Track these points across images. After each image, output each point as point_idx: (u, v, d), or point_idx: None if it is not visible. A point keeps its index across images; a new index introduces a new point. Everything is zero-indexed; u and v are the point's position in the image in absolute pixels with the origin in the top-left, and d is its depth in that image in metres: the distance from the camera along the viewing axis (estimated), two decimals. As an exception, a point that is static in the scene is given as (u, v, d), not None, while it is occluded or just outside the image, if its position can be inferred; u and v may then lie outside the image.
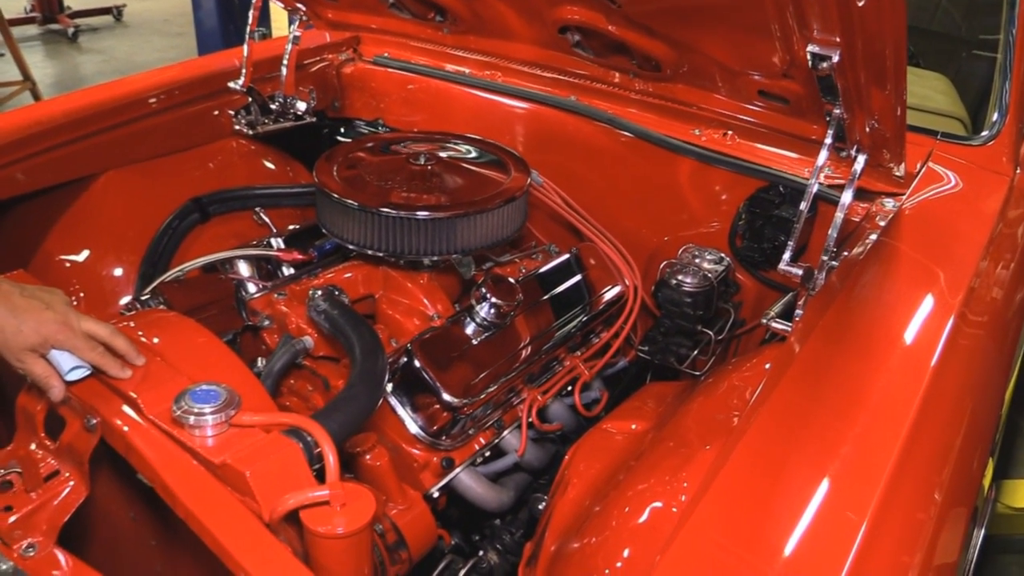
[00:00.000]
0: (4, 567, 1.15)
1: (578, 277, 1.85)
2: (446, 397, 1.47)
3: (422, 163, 1.73)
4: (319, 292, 1.57)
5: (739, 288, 1.91)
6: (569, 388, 1.79)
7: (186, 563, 1.31)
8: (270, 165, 2.35)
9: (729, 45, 1.46)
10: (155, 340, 1.34)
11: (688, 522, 0.96)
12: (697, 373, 1.76)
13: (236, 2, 4.52)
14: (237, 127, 2.26)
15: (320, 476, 1.10)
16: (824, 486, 1.03)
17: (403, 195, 1.63)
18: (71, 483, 1.20)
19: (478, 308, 1.57)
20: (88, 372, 1.19)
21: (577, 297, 1.83)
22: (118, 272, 1.98)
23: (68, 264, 1.96)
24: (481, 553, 1.58)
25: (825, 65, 1.27)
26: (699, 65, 1.63)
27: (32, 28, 6.89)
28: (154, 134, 2.12)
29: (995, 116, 1.93)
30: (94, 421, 1.17)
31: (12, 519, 1.16)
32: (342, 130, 2.48)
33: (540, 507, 1.53)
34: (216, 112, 2.26)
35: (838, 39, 1.23)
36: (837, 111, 1.42)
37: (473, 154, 1.85)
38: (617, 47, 1.73)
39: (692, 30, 1.49)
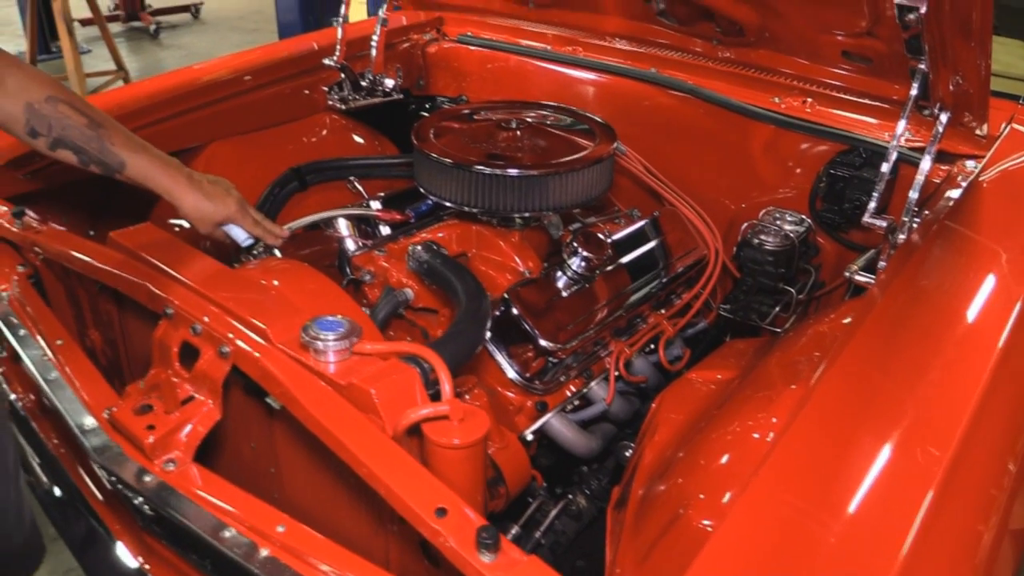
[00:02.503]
0: (147, 479, 1.27)
1: (660, 239, 1.92)
2: (542, 342, 1.55)
3: (514, 127, 1.82)
4: (418, 247, 1.67)
5: (819, 251, 1.95)
6: (652, 346, 1.86)
7: (301, 490, 1.42)
8: (360, 139, 2.47)
9: (816, 4, 1.51)
10: (276, 282, 1.46)
11: (755, 480, 0.97)
12: (778, 330, 1.80)
13: (318, -6, 4.70)
14: (330, 103, 2.39)
15: (434, 400, 1.19)
16: (894, 447, 1.02)
17: (498, 155, 1.72)
18: (207, 406, 1.32)
19: (569, 261, 1.65)
20: (253, 242, 1.62)
21: (659, 258, 1.89)
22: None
23: (177, 228, 2.10)
24: (570, 496, 1.66)
25: (912, 17, 1.31)
26: (783, 28, 1.68)
27: (116, 26, 7.21)
28: (255, 108, 2.26)
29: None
30: (227, 349, 1.29)
31: (152, 439, 1.28)
32: (427, 106, 2.59)
33: (627, 454, 1.60)
34: (309, 89, 2.39)
35: (926, -10, 1.28)
36: (922, 66, 1.46)
37: (561, 120, 1.93)
38: (702, 13, 1.79)
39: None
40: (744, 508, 0.93)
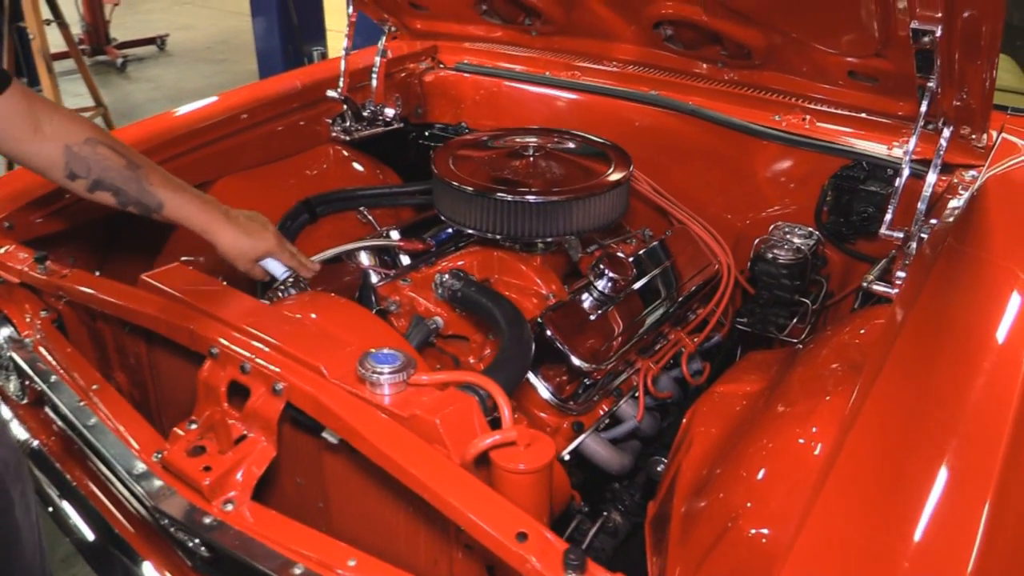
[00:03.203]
0: (207, 520, 1.27)
1: (675, 257, 1.96)
2: (578, 363, 1.58)
3: (531, 154, 1.86)
4: (446, 275, 1.70)
5: (826, 262, 2.01)
6: (671, 361, 1.90)
7: (352, 524, 1.42)
8: (363, 169, 2.49)
9: (827, 28, 1.57)
10: (317, 316, 1.48)
11: (817, 505, 0.96)
12: (795, 341, 1.86)
13: (296, 24, 4.69)
14: (334, 134, 2.41)
15: (493, 426, 1.22)
16: (943, 463, 1.02)
17: (519, 181, 1.76)
18: (261, 444, 1.32)
19: (596, 283, 1.69)
20: (290, 274, 1.61)
21: (678, 275, 1.93)
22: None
23: (191, 266, 2.10)
24: (605, 514, 1.69)
25: (927, 40, 1.37)
26: (791, 50, 1.74)
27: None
28: (261, 142, 2.27)
29: (1064, 90, 2.04)
30: (281, 386, 1.30)
31: (208, 480, 1.28)
32: (427, 134, 2.62)
33: (659, 469, 1.64)
34: (312, 122, 2.41)
35: (940, 14, 1.34)
36: (931, 85, 1.52)
37: (576, 145, 1.97)
38: (709, 38, 1.85)
39: (792, 16, 1.60)
40: (810, 536, 0.93)
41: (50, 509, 1.76)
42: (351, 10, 2.36)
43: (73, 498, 1.75)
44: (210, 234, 1.51)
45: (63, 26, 4.82)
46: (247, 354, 1.34)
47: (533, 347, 1.47)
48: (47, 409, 1.78)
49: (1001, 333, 1.30)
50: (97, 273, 2.13)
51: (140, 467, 1.37)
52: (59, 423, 1.71)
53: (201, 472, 1.28)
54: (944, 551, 0.91)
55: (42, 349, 1.68)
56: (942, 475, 1.01)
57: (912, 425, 1.11)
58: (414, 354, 1.40)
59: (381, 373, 1.23)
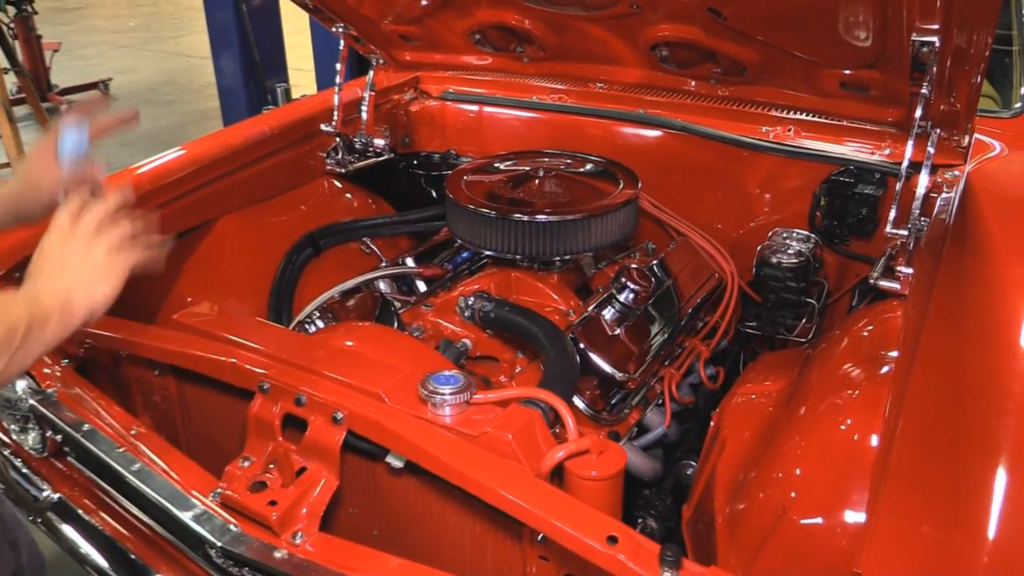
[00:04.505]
0: (279, 555, 1.28)
1: (681, 268, 2.03)
2: (615, 373, 1.63)
3: (541, 175, 1.91)
4: (471, 298, 1.73)
5: (823, 263, 2.10)
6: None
7: (413, 549, 1.43)
8: (358, 200, 2.51)
9: (825, 43, 1.66)
10: (358, 343, 1.50)
11: (880, 510, 0.97)
12: (802, 340, 1.93)
13: (258, 61, 4.68)
14: (328, 167, 2.42)
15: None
16: (1000, 453, 1.04)
17: (534, 203, 1.81)
18: (323, 474, 1.33)
19: (619, 296, 1.74)
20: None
21: (684, 285, 2.00)
22: (241, 306, 2.12)
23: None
24: (641, 520, 1.73)
25: (926, 50, 1.47)
26: (785, 64, 1.82)
27: (23, 108, 6.97)
28: (259, 179, 2.27)
29: (1022, 91, 2.18)
30: (341, 415, 1.31)
31: (275, 515, 1.29)
32: (415, 162, 2.65)
33: (688, 472, 1.69)
34: (307, 156, 2.42)
35: (937, 26, 1.43)
36: (924, 91, 1.62)
37: (581, 165, 2.03)
38: (704, 56, 1.93)
39: (791, 33, 1.69)
40: (884, 532, 0.95)
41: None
42: (341, 45, 2.38)
43: (105, 545, 1.72)
44: None
45: (20, 74, 4.73)
46: (301, 386, 1.36)
47: (577, 359, 1.51)
48: (71, 459, 1.75)
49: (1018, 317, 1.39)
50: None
51: (197, 508, 1.36)
52: (87, 472, 1.69)
53: (267, 507, 1.29)
54: (1017, 543, 0.93)
55: (69, 398, 1.66)
56: (1000, 463, 1.04)
57: (957, 416, 1.15)
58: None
59: (444, 394, 1.26)
